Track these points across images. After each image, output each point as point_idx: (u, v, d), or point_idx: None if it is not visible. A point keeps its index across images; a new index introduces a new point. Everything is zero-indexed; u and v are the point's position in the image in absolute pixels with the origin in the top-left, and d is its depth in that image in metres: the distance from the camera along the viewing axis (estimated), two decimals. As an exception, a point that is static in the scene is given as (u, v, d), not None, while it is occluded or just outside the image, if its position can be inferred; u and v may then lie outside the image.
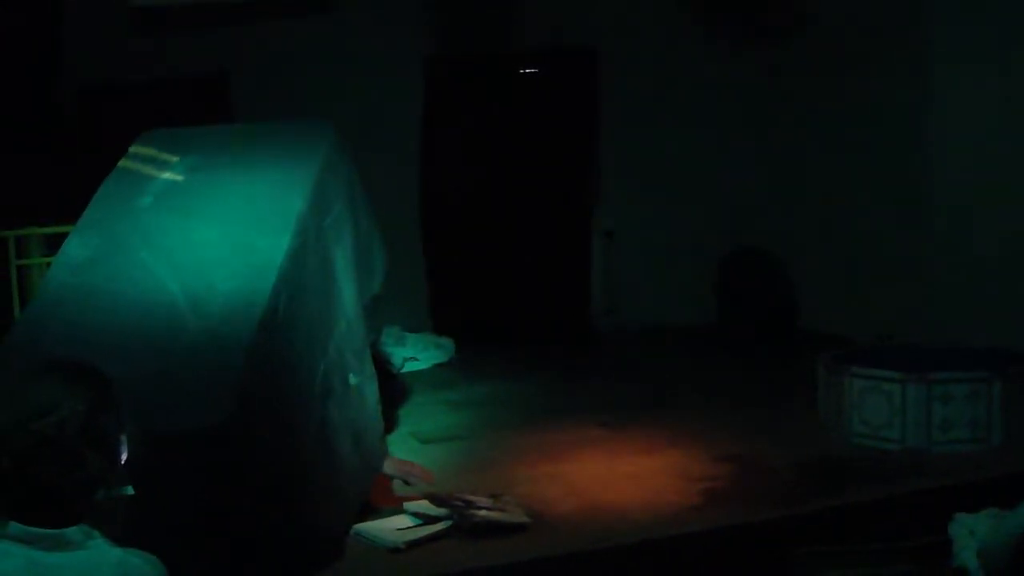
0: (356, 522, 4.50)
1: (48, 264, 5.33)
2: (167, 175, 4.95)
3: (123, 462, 2.18)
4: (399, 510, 4.63)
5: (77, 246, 4.62)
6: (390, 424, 6.25)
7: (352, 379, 4.68)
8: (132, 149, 5.22)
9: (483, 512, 4.50)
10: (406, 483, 4.95)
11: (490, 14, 8.63)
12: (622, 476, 5.20)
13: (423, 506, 4.62)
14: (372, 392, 5.05)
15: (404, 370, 7.63)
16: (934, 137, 7.29)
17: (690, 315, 8.60)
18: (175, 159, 5.04)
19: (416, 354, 7.84)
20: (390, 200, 7.23)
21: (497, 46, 8.73)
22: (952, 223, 7.14)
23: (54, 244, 5.67)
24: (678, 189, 8.69)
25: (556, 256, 9.03)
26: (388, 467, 4.92)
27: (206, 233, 4.59)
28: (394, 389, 7.08)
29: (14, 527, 2.01)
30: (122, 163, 5.12)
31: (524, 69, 9.04)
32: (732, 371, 7.38)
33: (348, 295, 5.05)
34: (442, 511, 4.52)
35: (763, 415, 6.14)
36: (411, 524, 4.49)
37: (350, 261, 5.16)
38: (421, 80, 8.66)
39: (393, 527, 4.47)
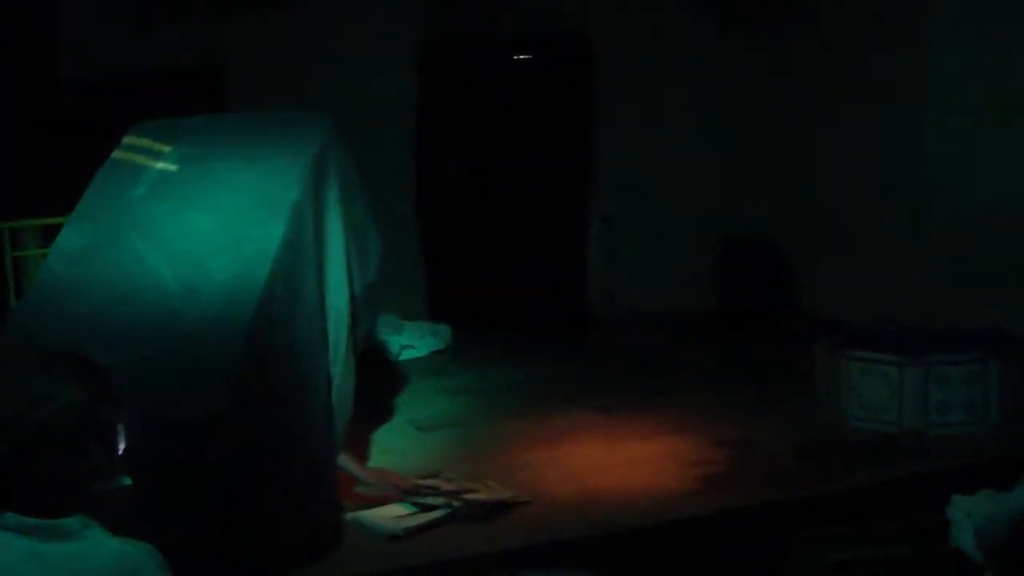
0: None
1: (43, 255, 5.31)
2: (161, 165, 4.93)
3: (121, 452, 2.18)
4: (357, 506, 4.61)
5: (72, 237, 4.62)
6: (388, 412, 6.26)
7: (336, 369, 4.69)
8: (125, 139, 5.20)
9: (473, 495, 4.51)
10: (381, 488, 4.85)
11: (485, 1, 8.61)
12: (621, 461, 5.21)
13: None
14: (349, 384, 5.06)
15: (402, 358, 7.63)
16: (933, 119, 7.27)
17: (689, 300, 8.59)
18: (169, 149, 5.02)
19: (413, 342, 7.83)
20: (386, 188, 7.21)
21: (492, 33, 8.71)
22: (950, 206, 7.13)
23: (49, 235, 5.66)
24: (676, 174, 8.68)
25: (554, 242, 9.02)
26: (363, 475, 4.87)
27: (201, 223, 4.58)
28: (391, 377, 7.09)
29: (12, 517, 2.02)
30: (116, 154, 5.09)
31: (519, 56, 9.02)
32: (731, 355, 7.39)
33: (341, 285, 5.05)
34: (440, 500, 4.53)
35: (762, 399, 6.14)
36: (409, 511, 4.50)
37: (344, 250, 5.15)
38: (415, 68, 8.64)
39: (392, 514, 4.48)
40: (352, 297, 5.18)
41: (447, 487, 4.64)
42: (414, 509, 4.49)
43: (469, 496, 4.53)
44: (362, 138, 6.24)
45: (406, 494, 4.60)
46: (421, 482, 4.70)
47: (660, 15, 8.65)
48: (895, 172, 7.64)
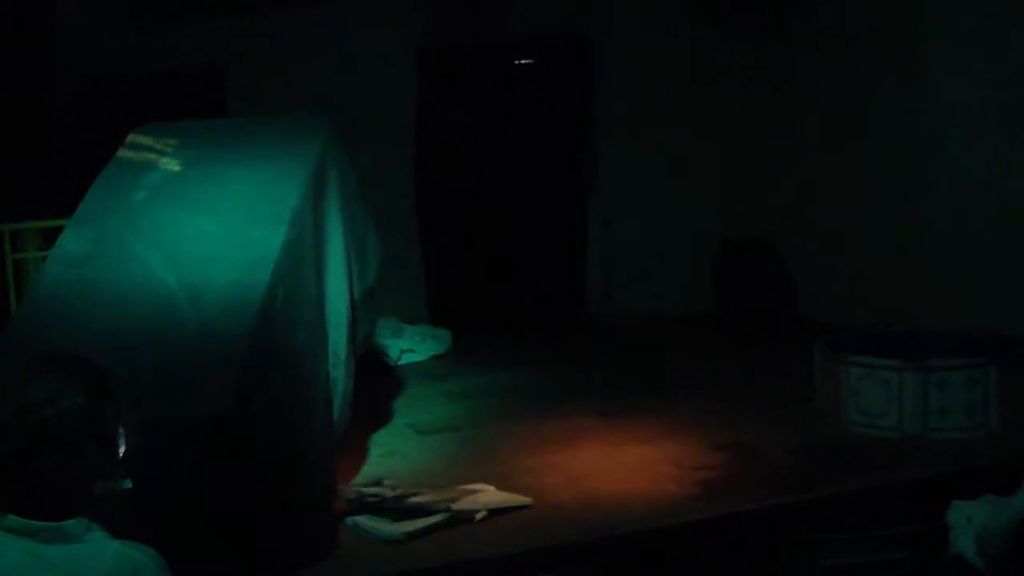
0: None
1: (44, 258, 5.32)
2: (162, 168, 4.94)
3: (121, 454, 2.18)
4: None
5: (72, 240, 4.62)
6: (388, 416, 6.26)
7: (334, 372, 4.69)
8: (127, 142, 5.21)
9: (419, 498, 4.50)
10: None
11: (484, 4, 8.61)
12: (620, 465, 5.21)
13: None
14: (349, 389, 5.05)
15: (401, 362, 7.62)
16: (931, 123, 7.29)
17: (688, 303, 8.60)
18: (170, 152, 5.04)
19: (413, 346, 7.82)
20: (386, 191, 7.22)
21: (491, 36, 8.71)
22: (949, 209, 7.14)
23: (50, 238, 5.66)
24: (675, 177, 8.69)
25: (553, 245, 9.03)
26: None
27: (202, 226, 4.59)
28: (391, 381, 7.09)
29: (13, 519, 2.02)
30: (117, 156, 5.11)
31: (518, 59, 9.02)
32: (730, 359, 7.38)
33: (341, 288, 5.06)
34: (441, 504, 4.51)
35: (761, 403, 6.14)
36: (390, 522, 4.46)
37: (344, 253, 5.16)
38: (415, 71, 8.64)
39: (391, 518, 4.46)
40: (352, 300, 5.18)
41: (390, 493, 4.62)
42: (388, 520, 4.43)
43: (415, 499, 4.51)
44: (362, 141, 6.25)
45: (350, 503, 4.56)
46: (365, 490, 4.67)
47: (660, 19, 8.66)
48: (894, 175, 7.65)
